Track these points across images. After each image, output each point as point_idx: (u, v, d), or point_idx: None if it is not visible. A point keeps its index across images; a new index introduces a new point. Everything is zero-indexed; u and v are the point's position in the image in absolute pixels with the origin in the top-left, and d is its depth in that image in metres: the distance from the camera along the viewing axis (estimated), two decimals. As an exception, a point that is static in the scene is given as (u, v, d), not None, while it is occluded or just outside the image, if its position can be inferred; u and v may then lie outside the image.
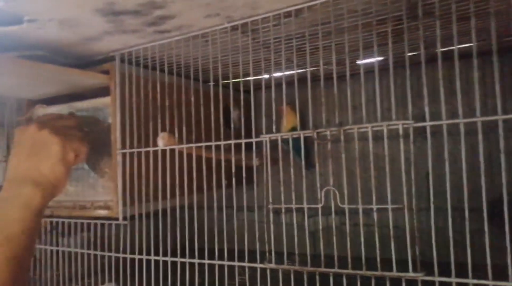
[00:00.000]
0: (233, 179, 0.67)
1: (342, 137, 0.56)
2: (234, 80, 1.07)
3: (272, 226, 0.60)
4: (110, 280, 0.81)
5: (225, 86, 1.05)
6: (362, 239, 0.54)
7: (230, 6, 0.61)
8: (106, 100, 0.82)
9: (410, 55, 0.76)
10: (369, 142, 0.54)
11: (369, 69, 0.77)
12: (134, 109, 0.77)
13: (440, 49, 0.57)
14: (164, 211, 0.72)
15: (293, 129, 1.02)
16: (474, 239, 0.50)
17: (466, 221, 0.51)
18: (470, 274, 0.50)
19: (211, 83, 0.73)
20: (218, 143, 0.68)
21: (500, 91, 0.53)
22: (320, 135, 0.57)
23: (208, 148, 0.69)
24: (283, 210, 0.60)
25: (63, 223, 0.84)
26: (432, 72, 0.58)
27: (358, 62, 0.90)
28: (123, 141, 0.77)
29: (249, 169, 0.86)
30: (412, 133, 0.52)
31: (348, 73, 0.60)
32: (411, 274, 0.51)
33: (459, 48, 0.58)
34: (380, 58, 0.93)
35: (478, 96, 0.52)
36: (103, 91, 0.83)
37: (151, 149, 0.74)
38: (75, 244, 0.83)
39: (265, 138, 0.62)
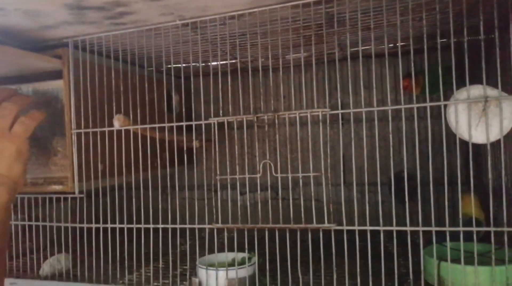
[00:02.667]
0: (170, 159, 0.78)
1: (276, 121, 0.70)
2: (175, 65, 1.17)
3: (219, 198, 0.73)
4: (66, 251, 0.89)
5: (169, 74, 1.15)
6: (291, 204, 0.70)
7: (183, 8, 0.72)
8: (58, 83, 0.87)
9: (328, 53, 0.93)
10: (297, 126, 0.70)
11: (296, 63, 0.92)
12: (88, 92, 0.84)
13: (349, 50, 0.74)
14: (119, 186, 0.82)
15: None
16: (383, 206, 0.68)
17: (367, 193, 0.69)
18: (368, 223, 0.68)
19: (153, 69, 0.83)
20: (171, 124, 0.79)
21: (394, 87, 0.71)
22: (259, 119, 0.71)
23: (161, 129, 0.80)
24: (228, 180, 0.73)
25: (18, 198, 0.89)
26: (346, 68, 0.75)
27: (287, 57, 1.06)
28: (78, 122, 0.84)
29: (190, 150, 0.98)
30: (329, 119, 0.69)
31: (281, 67, 0.74)
32: (326, 224, 0.68)
33: (363, 50, 0.76)
34: (305, 54, 1.10)
35: (375, 91, 0.70)
36: (52, 75, 0.88)
37: (106, 129, 0.82)
38: (31, 218, 0.88)
39: (213, 120, 0.74)
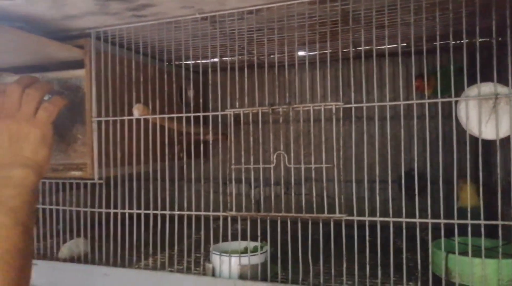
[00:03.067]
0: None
1: (291, 113, 0.73)
2: (189, 62, 1.19)
3: (233, 187, 0.76)
4: (85, 236, 0.92)
5: (186, 68, 1.18)
6: (303, 197, 0.72)
7: (203, 1, 0.74)
8: (79, 72, 0.90)
9: (342, 51, 0.95)
10: (310, 121, 0.72)
11: (311, 59, 0.94)
12: (109, 82, 0.87)
13: (363, 48, 0.76)
14: (137, 175, 0.84)
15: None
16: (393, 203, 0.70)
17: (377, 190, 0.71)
18: (378, 214, 0.70)
19: (172, 63, 0.86)
20: (188, 114, 0.81)
21: (406, 86, 0.73)
22: (275, 111, 0.74)
23: (179, 121, 0.82)
24: (242, 170, 0.76)
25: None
26: (359, 66, 0.76)
27: (301, 53, 1.07)
28: (99, 110, 0.87)
29: (206, 144, 1.00)
30: (342, 115, 0.71)
31: (296, 64, 0.76)
32: (337, 215, 0.70)
33: (376, 48, 0.78)
34: (320, 52, 1.12)
35: (387, 88, 0.72)
36: (72, 65, 0.91)
37: (126, 118, 0.85)
38: (51, 202, 0.91)
39: (229, 111, 0.77)
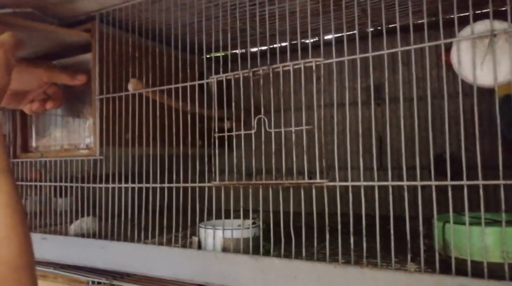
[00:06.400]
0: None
1: (271, 74, 0.69)
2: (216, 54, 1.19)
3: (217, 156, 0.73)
4: (94, 214, 0.94)
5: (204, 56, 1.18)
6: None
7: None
8: (87, 56, 0.95)
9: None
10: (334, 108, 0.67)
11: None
12: (116, 64, 0.90)
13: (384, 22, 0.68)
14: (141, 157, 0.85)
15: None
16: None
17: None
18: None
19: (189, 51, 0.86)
20: (184, 84, 0.80)
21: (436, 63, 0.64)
22: (255, 73, 0.70)
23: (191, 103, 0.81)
24: (225, 137, 0.73)
25: (50, 162, 0.97)
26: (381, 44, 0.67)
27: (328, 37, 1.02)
28: (101, 88, 0.90)
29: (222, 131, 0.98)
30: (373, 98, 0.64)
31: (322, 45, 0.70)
32: (318, 180, 0.64)
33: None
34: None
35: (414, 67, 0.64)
36: (86, 49, 0.96)
37: (123, 93, 0.87)
38: (61, 180, 0.96)
39: (213, 78, 0.74)
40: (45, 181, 0.98)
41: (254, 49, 1.18)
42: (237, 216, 0.81)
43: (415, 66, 0.68)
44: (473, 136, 0.55)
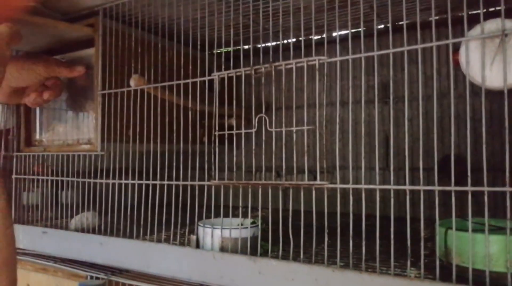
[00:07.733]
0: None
1: (273, 72, 0.67)
2: (225, 49, 1.18)
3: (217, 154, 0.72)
4: (94, 209, 0.94)
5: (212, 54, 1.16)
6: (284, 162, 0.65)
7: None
8: (90, 51, 0.94)
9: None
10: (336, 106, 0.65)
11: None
12: (119, 58, 0.89)
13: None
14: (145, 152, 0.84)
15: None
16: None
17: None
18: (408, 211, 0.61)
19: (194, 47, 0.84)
20: (186, 81, 0.79)
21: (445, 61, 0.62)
22: (257, 71, 0.69)
23: (193, 99, 0.80)
24: (226, 136, 0.71)
25: (52, 156, 0.97)
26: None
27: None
28: (103, 84, 0.89)
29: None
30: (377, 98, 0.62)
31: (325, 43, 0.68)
32: (318, 182, 0.62)
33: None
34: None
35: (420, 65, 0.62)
36: (83, 44, 0.95)
37: (125, 89, 0.86)
38: (62, 175, 0.96)
39: (215, 75, 0.73)
40: (47, 175, 0.98)
41: (259, 46, 1.16)
42: (236, 214, 0.80)
43: (425, 64, 0.65)
44: (482, 137, 0.53)
